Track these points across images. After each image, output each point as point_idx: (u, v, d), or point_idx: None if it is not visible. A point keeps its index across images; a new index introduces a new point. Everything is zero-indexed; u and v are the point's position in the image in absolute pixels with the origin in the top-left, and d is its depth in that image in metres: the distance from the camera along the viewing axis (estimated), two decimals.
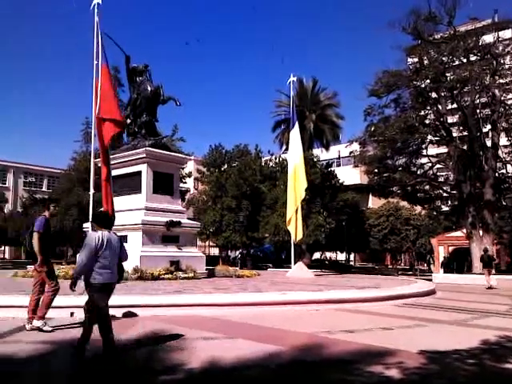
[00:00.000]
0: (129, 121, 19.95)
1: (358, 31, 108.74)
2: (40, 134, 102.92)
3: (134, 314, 8.30)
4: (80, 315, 8.13)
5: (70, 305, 8.49)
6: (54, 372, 4.92)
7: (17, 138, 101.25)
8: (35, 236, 6.64)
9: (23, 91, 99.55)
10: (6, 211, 42.80)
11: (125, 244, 17.12)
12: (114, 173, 16.70)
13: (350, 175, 40.21)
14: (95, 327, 5.36)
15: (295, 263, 20.19)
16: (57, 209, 7.50)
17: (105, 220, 5.79)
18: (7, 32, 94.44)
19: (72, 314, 8.19)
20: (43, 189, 56.56)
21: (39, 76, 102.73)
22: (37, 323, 6.65)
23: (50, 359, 5.31)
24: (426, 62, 25.32)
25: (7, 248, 51.12)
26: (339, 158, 45.21)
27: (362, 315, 8.91)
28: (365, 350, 5.76)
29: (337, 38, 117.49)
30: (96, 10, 15.06)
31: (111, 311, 5.58)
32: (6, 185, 55.83)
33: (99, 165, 14.86)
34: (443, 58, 24.68)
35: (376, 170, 28.43)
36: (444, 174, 30.94)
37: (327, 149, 37.59)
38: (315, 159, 29.53)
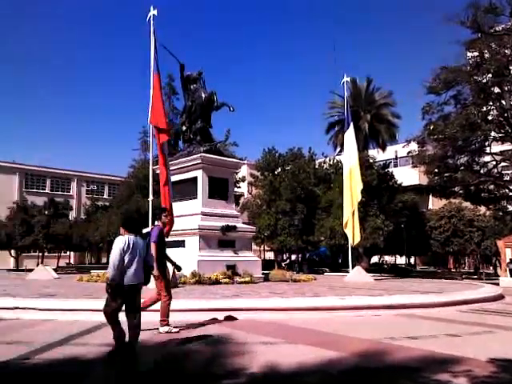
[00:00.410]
0: (184, 128, 20.43)
1: (411, 27, 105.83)
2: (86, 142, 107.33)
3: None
4: (142, 317, 8.38)
5: None
6: (118, 374, 5.05)
7: (69, 146, 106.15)
8: (152, 246, 7.04)
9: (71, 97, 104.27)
10: (70, 218, 44.83)
11: (182, 249, 17.66)
12: (171, 179, 17.13)
13: (408, 176, 39.07)
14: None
15: (353, 267, 19.80)
16: (168, 217, 8.00)
17: (132, 225, 6.01)
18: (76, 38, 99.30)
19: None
20: (104, 196, 58.88)
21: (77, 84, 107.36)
22: (164, 329, 7.11)
23: (115, 361, 5.47)
24: (487, 55, 24.20)
25: (72, 253, 53.53)
26: (396, 158, 44.00)
27: (426, 321, 8.59)
28: (430, 357, 5.54)
29: (390, 35, 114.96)
30: (152, 21, 15.53)
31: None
32: (70, 193, 58.57)
33: (157, 171, 15.33)
34: (506, 51, 23.50)
35: (436, 170, 27.43)
36: (510, 172, 29.34)
37: (383, 149, 36.64)
38: (371, 160, 28.89)
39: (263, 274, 18.55)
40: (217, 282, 15.36)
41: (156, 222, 7.61)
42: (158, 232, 7.27)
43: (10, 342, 6.31)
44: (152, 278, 6.75)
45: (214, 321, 8.19)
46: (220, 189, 18.59)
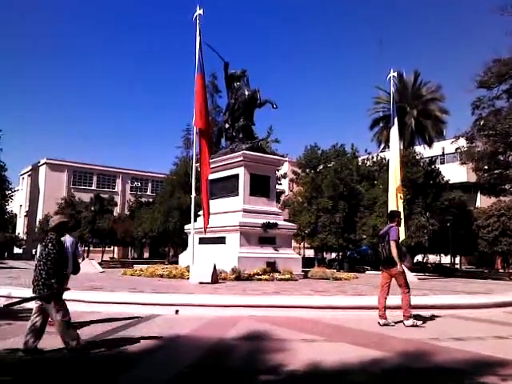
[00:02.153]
0: (227, 125, 20.57)
1: (461, 18, 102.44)
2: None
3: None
4: (183, 312, 8.51)
5: (175, 303, 8.91)
6: (161, 366, 5.13)
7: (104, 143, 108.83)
8: (392, 244, 7.76)
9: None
10: (115, 214, 46.02)
11: (223, 245, 17.90)
12: (213, 176, 17.31)
13: (455, 173, 37.78)
14: None
15: None
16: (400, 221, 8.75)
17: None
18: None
19: (177, 311, 8.55)
20: (148, 192, 60.25)
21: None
22: (409, 323, 7.62)
23: (157, 353, 5.57)
24: None
25: (116, 248, 55.00)
26: (443, 154, 42.69)
27: (472, 322, 8.30)
28: (477, 360, 5.36)
29: (439, 27, 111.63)
30: (198, 21, 15.67)
31: None
32: (115, 189, 60.24)
33: (199, 169, 15.52)
34: None
35: (486, 167, 26.43)
36: None
37: (430, 145, 35.50)
38: (418, 157, 28.11)
39: (303, 271, 18.45)
40: (257, 278, 15.40)
41: (391, 224, 8.17)
42: (397, 231, 7.94)
43: None
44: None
45: (255, 317, 8.20)
46: (262, 186, 18.60)
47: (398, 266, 7.69)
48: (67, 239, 7.20)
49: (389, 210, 19.14)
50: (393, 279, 7.89)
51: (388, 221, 8.52)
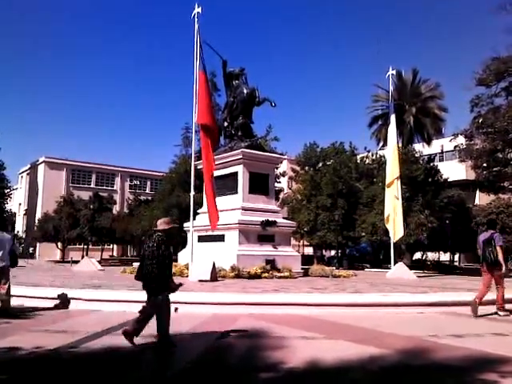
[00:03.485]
0: (225, 124, 20.52)
1: (460, 16, 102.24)
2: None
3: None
4: (183, 310, 8.49)
5: (174, 300, 8.86)
6: (162, 364, 5.13)
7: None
8: (499, 249, 8.52)
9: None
10: (114, 212, 45.90)
11: (222, 243, 17.84)
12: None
13: (454, 170, 37.76)
14: None
15: (395, 263, 19.40)
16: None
17: None
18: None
19: (176, 309, 8.53)
20: (147, 191, 60.12)
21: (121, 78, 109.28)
22: (502, 313, 8.53)
23: (159, 351, 5.57)
24: None
25: (115, 246, 54.93)
26: (442, 152, 42.68)
27: (472, 319, 8.30)
28: (476, 357, 5.36)
29: (439, 26, 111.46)
30: (196, 19, 15.73)
31: None
32: (114, 188, 60.11)
33: (199, 167, 15.51)
34: None
35: (485, 164, 26.38)
36: None
37: (429, 143, 35.56)
38: (416, 154, 28.04)
39: (302, 269, 18.45)
40: (256, 276, 15.39)
41: (490, 230, 8.96)
42: (501, 237, 8.75)
43: (58, 331, 6.53)
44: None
45: (254, 315, 8.20)
46: (261, 184, 18.58)
47: (504, 269, 8.55)
48: (4, 236, 8.10)
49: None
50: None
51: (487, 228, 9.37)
